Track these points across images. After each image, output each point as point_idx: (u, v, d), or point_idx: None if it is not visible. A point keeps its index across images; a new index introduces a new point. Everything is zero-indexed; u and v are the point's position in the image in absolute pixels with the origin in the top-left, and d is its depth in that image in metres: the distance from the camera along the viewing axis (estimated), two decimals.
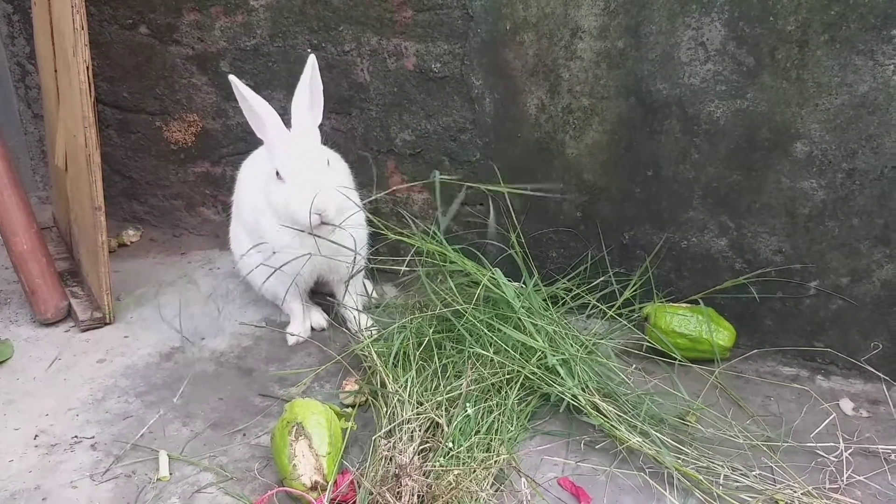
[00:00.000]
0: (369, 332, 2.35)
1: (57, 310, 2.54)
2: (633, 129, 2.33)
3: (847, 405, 2.20)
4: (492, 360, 2.10)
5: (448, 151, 2.58)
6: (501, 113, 2.47)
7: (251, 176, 2.47)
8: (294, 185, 2.12)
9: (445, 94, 2.51)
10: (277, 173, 2.16)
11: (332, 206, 2.13)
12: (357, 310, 2.47)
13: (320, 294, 2.58)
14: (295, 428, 1.91)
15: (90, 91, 2.31)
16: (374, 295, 2.60)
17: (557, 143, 2.44)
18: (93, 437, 2.08)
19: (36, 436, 2.09)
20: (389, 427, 1.94)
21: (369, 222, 2.39)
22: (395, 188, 2.66)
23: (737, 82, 2.17)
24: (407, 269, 2.22)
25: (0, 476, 1.96)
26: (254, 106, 2.16)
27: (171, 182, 3.07)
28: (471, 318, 2.15)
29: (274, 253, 2.26)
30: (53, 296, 2.54)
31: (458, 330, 2.17)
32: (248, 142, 2.75)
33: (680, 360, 2.26)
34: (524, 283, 2.30)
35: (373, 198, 2.40)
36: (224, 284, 2.77)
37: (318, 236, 2.16)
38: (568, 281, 2.46)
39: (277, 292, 2.42)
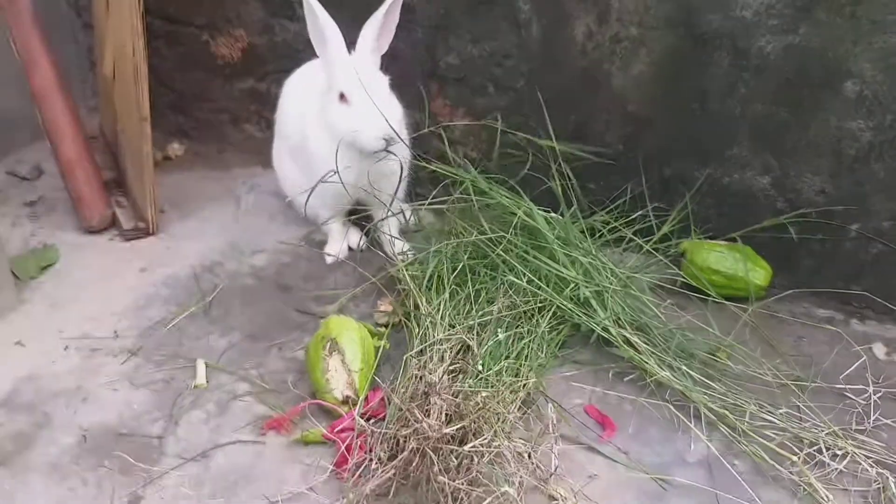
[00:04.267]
0: (405, 256, 2.38)
1: (102, 217, 2.60)
2: (680, 62, 2.30)
3: (880, 350, 2.20)
4: (524, 288, 2.12)
5: (492, 77, 2.57)
6: (548, 39, 2.44)
7: (296, 94, 2.51)
8: (363, 110, 2.16)
9: (493, 17, 2.49)
10: (342, 95, 2.19)
11: (401, 130, 2.21)
12: (392, 237, 2.51)
13: (359, 215, 2.61)
14: (329, 343, 1.96)
15: (139, 1, 2.32)
16: (412, 219, 2.62)
17: (603, 73, 2.42)
18: (133, 343, 2.15)
19: (79, 339, 2.16)
20: (421, 347, 1.99)
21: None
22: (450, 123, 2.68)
23: (790, 17, 2.12)
24: (445, 197, 2.25)
25: (43, 374, 2.05)
26: (322, 24, 2.18)
27: (216, 97, 3.10)
28: (506, 247, 2.17)
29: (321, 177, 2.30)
30: (99, 204, 2.60)
31: (493, 258, 2.19)
32: (294, 59, 2.75)
33: (714, 297, 2.26)
34: (561, 213, 2.31)
35: (422, 131, 2.43)
36: (266, 201, 2.80)
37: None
38: (606, 213, 2.47)
39: (318, 212, 2.47)
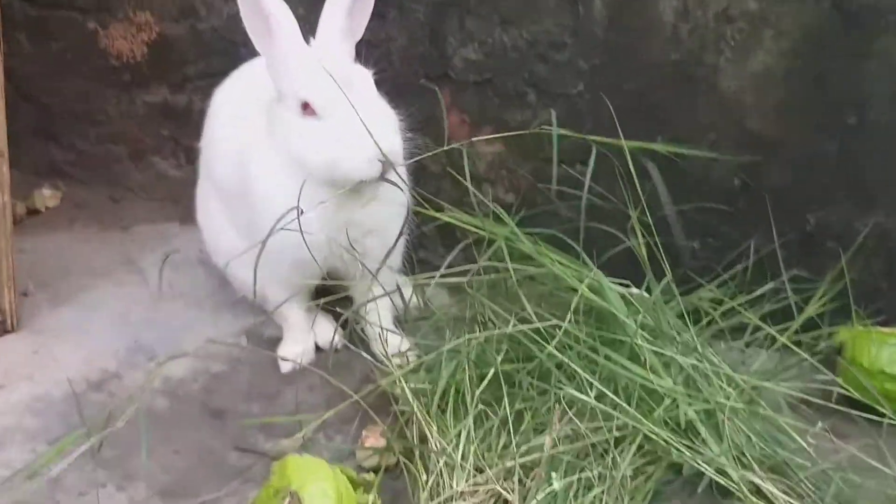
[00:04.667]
0: (403, 359, 2.38)
1: None
2: (825, 51, 2.32)
3: None
4: (592, 407, 2.10)
5: (534, 78, 2.59)
6: (619, 20, 2.47)
7: (232, 110, 2.54)
8: (342, 122, 2.17)
9: None
10: (306, 105, 2.21)
11: (399, 150, 2.22)
12: (384, 329, 2.49)
13: (332, 297, 2.60)
14: (288, 500, 1.94)
15: None
16: (414, 301, 2.61)
17: (707, 70, 2.43)
18: None
19: None
20: None
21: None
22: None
23: None
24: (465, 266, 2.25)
25: None
26: (263, 2, 2.21)
27: (109, 116, 3.12)
28: (562, 343, 2.15)
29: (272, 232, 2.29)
30: None
31: (542, 359, 2.17)
32: (229, 57, 2.78)
33: (891, 417, 2.23)
34: (648, 289, 2.30)
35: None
36: (187, 277, 2.80)
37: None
38: (717, 287, 2.46)
39: (268, 293, 2.45)
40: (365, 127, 2.13)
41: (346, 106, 2.15)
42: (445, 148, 2.47)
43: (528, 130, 2.52)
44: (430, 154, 2.44)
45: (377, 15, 2.62)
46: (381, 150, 2.14)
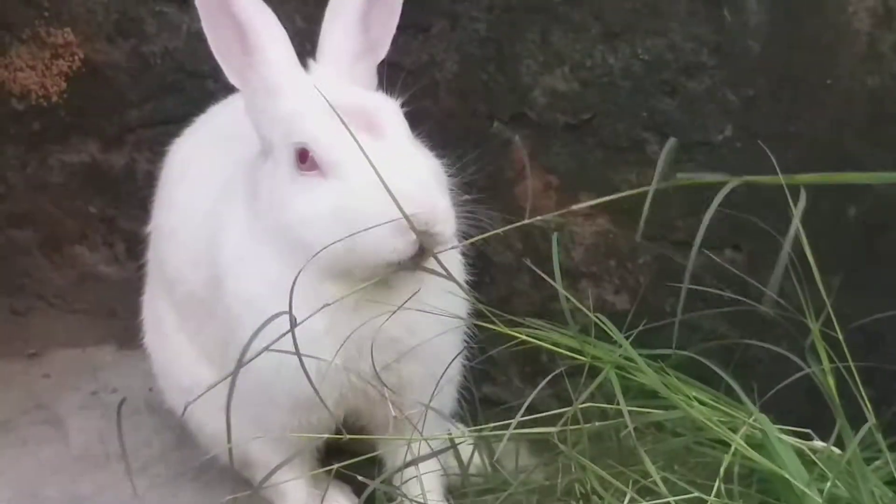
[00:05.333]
0: None
1: None
2: None
3: None
4: None
5: (656, 120, 2.58)
6: (785, 30, 2.45)
7: (193, 176, 2.53)
8: (362, 181, 2.10)
9: None
10: (302, 155, 2.16)
11: (448, 216, 2.13)
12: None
13: (349, 461, 2.55)
14: None
15: None
16: (476, 463, 2.56)
17: None
18: None
19: None
20: None
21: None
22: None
23: None
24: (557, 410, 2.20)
25: None
26: (241, 11, 2.19)
27: (9, 185, 3.12)
28: None
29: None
30: None
31: None
32: (191, 94, 2.77)
33: None
34: (839, 442, 2.24)
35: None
36: (127, 429, 2.76)
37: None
38: None
39: (254, 455, 2.45)
40: (391, 185, 2.04)
41: (364, 156, 2.08)
42: (523, 222, 2.44)
43: (652, 186, 2.47)
44: (496, 232, 2.40)
45: (416, 28, 2.64)
46: (414, 216, 2.05)
